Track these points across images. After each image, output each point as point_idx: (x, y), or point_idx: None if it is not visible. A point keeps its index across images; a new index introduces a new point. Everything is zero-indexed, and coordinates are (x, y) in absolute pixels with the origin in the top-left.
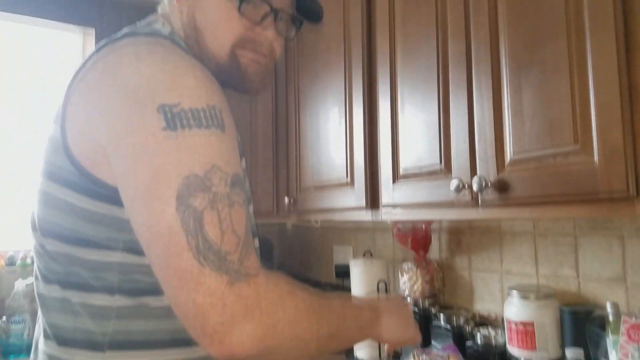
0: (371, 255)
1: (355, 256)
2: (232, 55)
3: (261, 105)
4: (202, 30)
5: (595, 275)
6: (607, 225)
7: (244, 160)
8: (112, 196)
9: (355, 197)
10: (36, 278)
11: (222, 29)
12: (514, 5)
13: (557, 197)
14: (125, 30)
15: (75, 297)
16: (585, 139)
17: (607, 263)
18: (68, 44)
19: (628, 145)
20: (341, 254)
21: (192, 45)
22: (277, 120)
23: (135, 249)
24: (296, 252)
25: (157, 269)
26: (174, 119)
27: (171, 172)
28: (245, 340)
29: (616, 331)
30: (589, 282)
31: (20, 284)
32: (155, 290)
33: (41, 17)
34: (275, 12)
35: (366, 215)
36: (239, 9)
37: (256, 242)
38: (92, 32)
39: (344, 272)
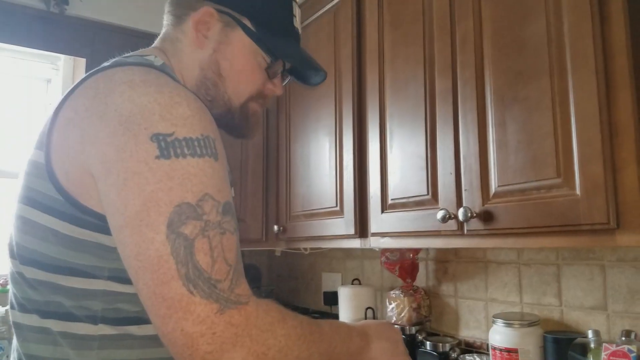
0: (359, 282)
1: (343, 284)
2: (244, 105)
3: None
4: (224, 77)
5: (578, 303)
6: (589, 255)
7: (233, 189)
8: (98, 224)
9: (345, 225)
10: (12, 306)
11: (245, 82)
12: (498, 45)
13: (540, 228)
14: (116, 59)
15: (55, 326)
16: (568, 172)
17: (589, 292)
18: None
19: (609, 179)
20: (330, 282)
21: (207, 87)
22: (268, 149)
23: (120, 278)
24: (285, 279)
25: (145, 298)
26: (167, 147)
27: (163, 200)
28: None
29: (597, 358)
30: (571, 310)
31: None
32: (139, 319)
33: (32, 48)
34: (286, 72)
35: (355, 243)
36: (266, 69)
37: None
38: (83, 61)
39: (332, 299)
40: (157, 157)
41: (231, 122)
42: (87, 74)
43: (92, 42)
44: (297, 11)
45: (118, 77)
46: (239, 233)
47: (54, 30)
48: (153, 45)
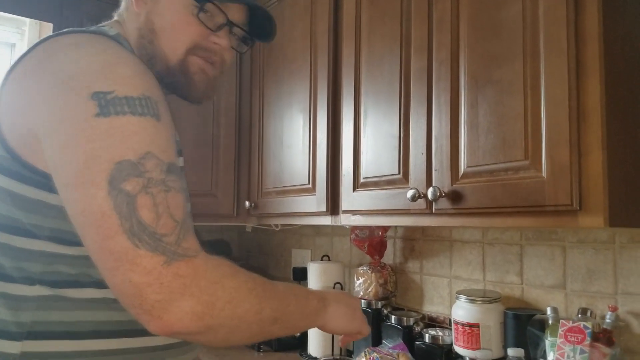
0: (329, 259)
1: (313, 260)
2: (183, 60)
3: (224, 108)
4: (158, 32)
5: (538, 282)
6: (552, 236)
7: (182, 159)
8: (41, 181)
9: (317, 202)
10: None
11: (179, 33)
12: (474, 27)
13: (506, 208)
14: (71, 29)
15: None
16: (535, 155)
17: (550, 271)
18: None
19: (574, 163)
20: (299, 258)
21: (145, 46)
22: (240, 124)
23: (59, 239)
24: (255, 254)
25: (92, 252)
26: (107, 105)
27: (103, 157)
28: (183, 317)
29: (554, 333)
30: (532, 289)
31: None
32: (76, 282)
33: None
34: (230, 24)
35: (326, 221)
36: (197, 15)
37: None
38: (49, 26)
39: (301, 275)
40: (97, 115)
41: (173, 80)
42: (41, 39)
43: (60, 7)
44: None
45: (66, 41)
46: (187, 193)
47: None
48: (114, 17)
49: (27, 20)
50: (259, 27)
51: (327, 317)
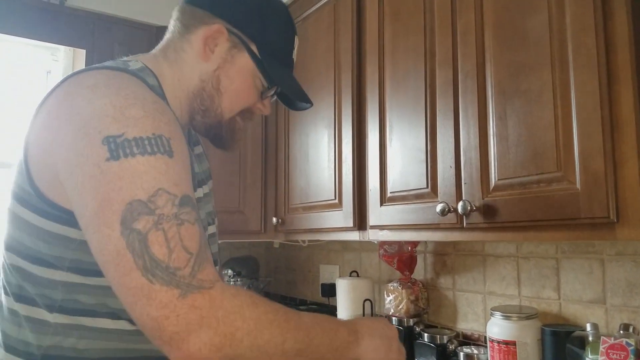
0: (357, 275)
1: (341, 276)
2: (232, 118)
3: (251, 126)
4: (222, 92)
5: (577, 297)
6: (589, 249)
7: (206, 186)
8: (63, 217)
9: (344, 217)
10: (2, 287)
11: (240, 98)
12: (500, 37)
13: (540, 221)
14: (97, 65)
15: (22, 310)
16: (568, 166)
17: (588, 285)
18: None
19: (609, 173)
20: (327, 274)
21: (203, 98)
22: (266, 141)
23: (79, 269)
24: (282, 270)
25: (114, 289)
26: (117, 149)
27: (115, 200)
28: (202, 348)
29: (595, 351)
30: (570, 304)
31: None
32: (92, 311)
33: (31, 39)
34: (276, 97)
35: (354, 236)
36: (261, 92)
37: (214, 255)
38: (82, 52)
39: (330, 291)
40: (107, 160)
41: (219, 133)
42: (65, 77)
43: (92, 33)
44: (296, 43)
45: (85, 81)
46: (200, 223)
47: (53, 21)
48: (153, 50)
49: (62, 47)
50: (293, 102)
51: (360, 351)
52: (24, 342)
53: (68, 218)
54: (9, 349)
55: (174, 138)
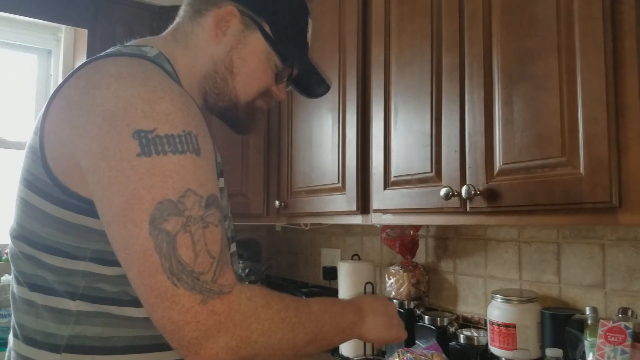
0: (359, 258)
1: (343, 259)
2: (251, 102)
3: None
4: (235, 74)
5: (577, 281)
6: (590, 234)
7: (222, 179)
8: (84, 207)
9: (347, 201)
10: (13, 278)
11: (255, 79)
12: (507, 22)
13: (543, 206)
14: (111, 50)
15: (39, 299)
16: (572, 151)
17: (588, 270)
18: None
19: (613, 159)
20: (329, 257)
21: (216, 81)
22: (269, 123)
23: (101, 259)
24: (284, 253)
25: (136, 286)
26: (148, 144)
27: (145, 198)
28: (219, 352)
29: (594, 334)
30: (570, 288)
31: (7, 279)
32: (118, 300)
33: (33, 17)
34: (292, 79)
35: (357, 220)
36: (276, 73)
37: (233, 247)
38: (84, 32)
39: (331, 274)
40: (139, 155)
41: (235, 116)
42: (83, 62)
43: (94, 13)
44: (310, 25)
45: (107, 69)
46: (224, 223)
47: (55, 0)
48: (163, 33)
49: (63, 27)
50: (311, 83)
51: (364, 329)
52: (44, 332)
53: (89, 208)
54: (27, 340)
55: (200, 134)
